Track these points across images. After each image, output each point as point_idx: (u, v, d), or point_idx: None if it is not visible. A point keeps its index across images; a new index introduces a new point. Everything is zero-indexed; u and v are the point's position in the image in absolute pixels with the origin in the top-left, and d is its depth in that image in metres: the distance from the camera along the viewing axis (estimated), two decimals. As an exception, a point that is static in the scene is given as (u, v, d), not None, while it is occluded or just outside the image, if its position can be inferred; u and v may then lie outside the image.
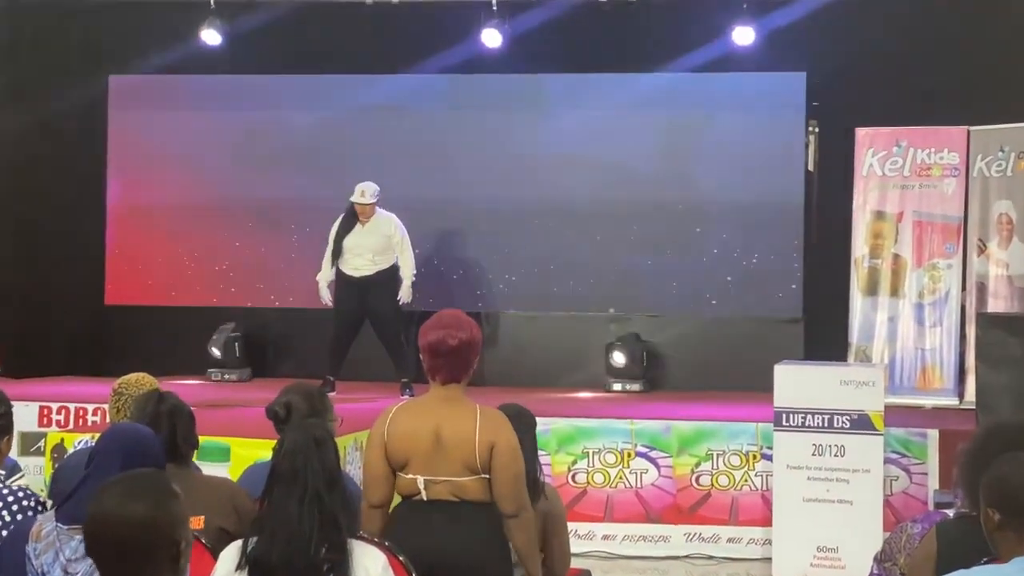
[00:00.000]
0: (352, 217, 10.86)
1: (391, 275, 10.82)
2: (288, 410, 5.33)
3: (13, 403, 4.90)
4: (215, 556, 4.31)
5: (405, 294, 10.82)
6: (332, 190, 11.74)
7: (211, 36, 12.00)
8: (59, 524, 3.96)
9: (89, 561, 3.76)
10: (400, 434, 4.79)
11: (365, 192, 10.81)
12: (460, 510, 4.78)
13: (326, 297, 10.94)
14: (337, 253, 10.82)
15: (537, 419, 5.84)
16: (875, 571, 4.63)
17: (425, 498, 4.77)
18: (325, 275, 10.91)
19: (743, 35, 11.43)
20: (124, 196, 12.81)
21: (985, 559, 3.71)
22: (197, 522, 4.56)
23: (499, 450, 4.77)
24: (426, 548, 4.53)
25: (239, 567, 3.99)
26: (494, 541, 4.84)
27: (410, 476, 4.80)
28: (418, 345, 4.97)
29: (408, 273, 10.85)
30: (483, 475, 4.79)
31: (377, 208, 10.88)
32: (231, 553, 4.06)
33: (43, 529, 3.98)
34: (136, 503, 3.17)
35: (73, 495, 4.02)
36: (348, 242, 10.79)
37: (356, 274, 10.80)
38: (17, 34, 12.35)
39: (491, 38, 11.71)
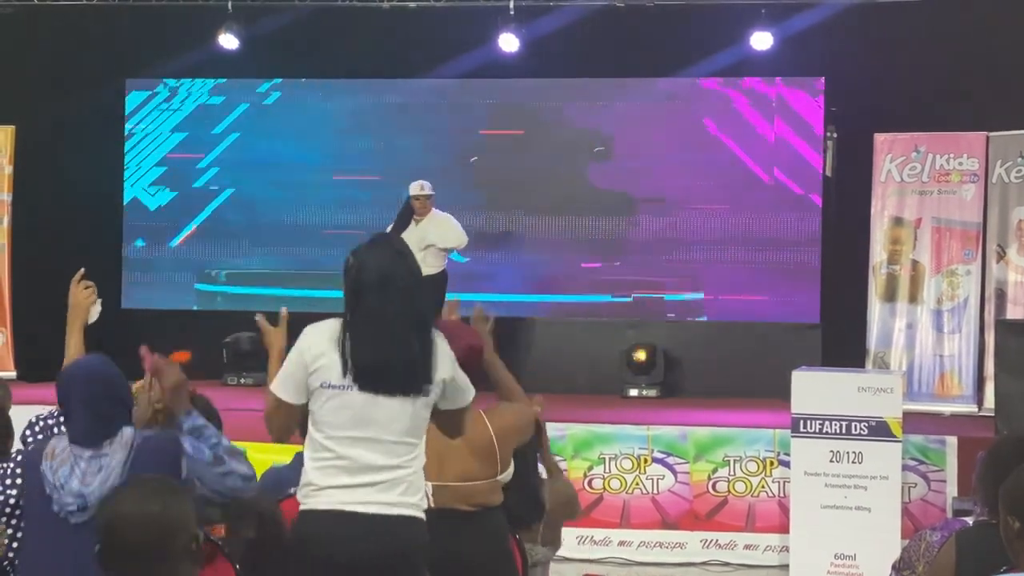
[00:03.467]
0: (408, 214, 10.87)
1: (440, 281, 10.75)
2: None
3: (30, 406, 4.92)
4: (233, 562, 4.30)
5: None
6: (346, 193, 11.79)
7: (228, 40, 12.01)
8: (72, 444, 4.17)
9: (101, 477, 4.05)
10: None
11: (424, 186, 10.91)
12: (467, 518, 4.78)
13: None
14: (408, 214, 10.81)
15: (553, 424, 5.82)
16: None
17: (432, 504, 4.75)
18: None
19: (761, 40, 11.40)
20: (140, 200, 12.84)
21: (1005, 568, 3.68)
22: (219, 530, 4.56)
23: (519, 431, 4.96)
24: (436, 554, 4.52)
25: (346, 379, 4.19)
26: (500, 548, 4.86)
27: None
28: None
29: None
30: (499, 477, 4.82)
31: (434, 208, 10.92)
32: (327, 338, 4.23)
33: (56, 448, 4.17)
34: (150, 502, 3.18)
35: (76, 419, 4.22)
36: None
37: None
38: (35, 38, 12.36)
39: (508, 43, 11.70)
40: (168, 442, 4.20)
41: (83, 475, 4.07)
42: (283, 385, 4.26)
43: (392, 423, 4.20)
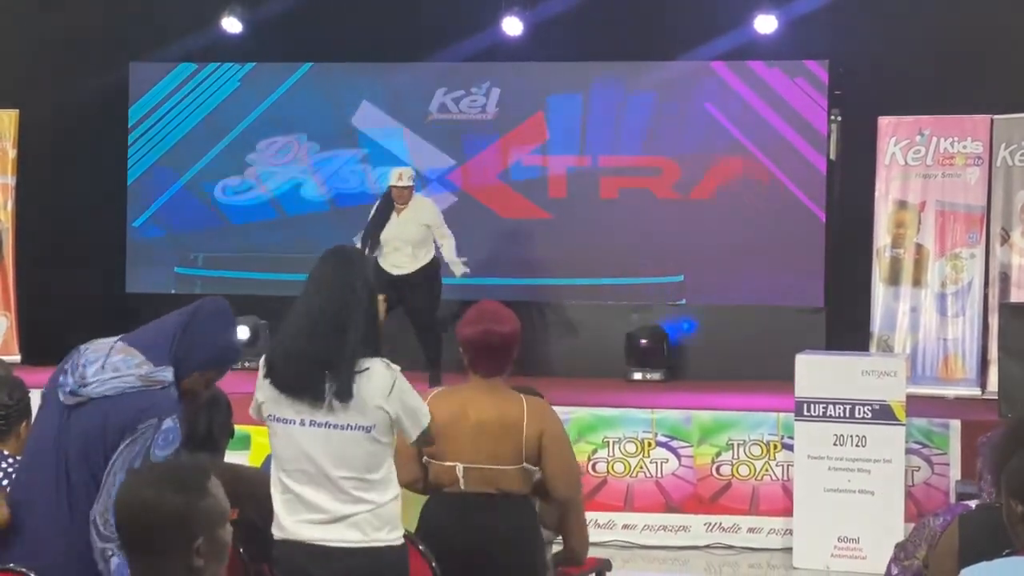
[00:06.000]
0: (388, 206, 10.58)
1: (433, 271, 10.61)
2: None
3: (33, 390, 4.89)
4: (240, 557, 4.30)
5: (460, 269, 10.70)
6: (351, 178, 11.77)
7: (232, 24, 12.00)
8: (120, 340, 4.16)
9: (106, 377, 4.01)
10: (440, 421, 4.64)
11: (403, 175, 10.57)
12: (497, 502, 4.75)
13: None
14: (374, 247, 10.50)
15: (558, 408, 5.82)
16: (893, 571, 4.59)
17: (463, 486, 4.74)
18: None
19: (765, 23, 11.38)
20: (145, 184, 12.84)
21: (1007, 551, 3.68)
22: (231, 514, 4.54)
23: (549, 439, 4.80)
24: (463, 541, 4.52)
25: (266, 374, 4.32)
26: (530, 533, 4.84)
27: (448, 464, 4.75)
28: (458, 337, 4.91)
29: (454, 257, 10.65)
30: (526, 465, 4.78)
31: (415, 194, 10.70)
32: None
33: (102, 341, 4.18)
34: (155, 490, 3.12)
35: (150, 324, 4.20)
36: (386, 234, 10.47)
37: (397, 272, 10.42)
38: (38, 22, 12.35)
39: (512, 26, 11.68)
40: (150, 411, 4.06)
41: (101, 367, 4.04)
42: (253, 408, 4.43)
43: (338, 458, 4.21)
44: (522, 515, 4.80)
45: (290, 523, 4.27)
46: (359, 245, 10.68)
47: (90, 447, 4.00)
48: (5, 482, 4.53)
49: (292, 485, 4.25)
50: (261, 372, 4.34)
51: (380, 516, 4.25)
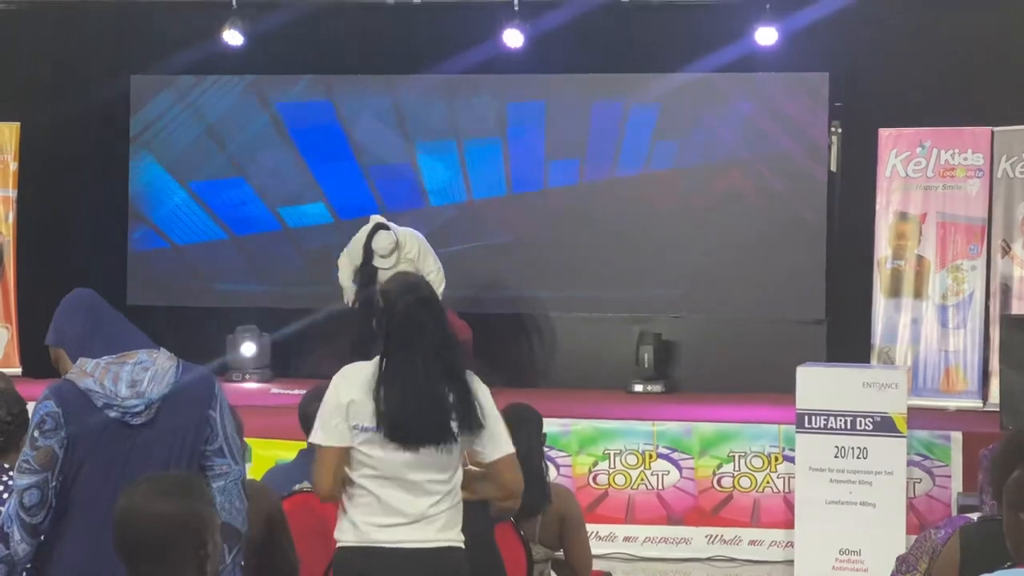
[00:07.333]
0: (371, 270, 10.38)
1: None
2: None
3: (31, 403, 4.89)
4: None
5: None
6: (353, 190, 11.75)
7: (233, 36, 12.00)
8: (103, 357, 4.06)
9: (151, 376, 3.97)
10: None
11: (386, 256, 10.34)
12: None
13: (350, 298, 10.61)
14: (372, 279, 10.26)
15: (559, 420, 5.82)
16: None
17: None
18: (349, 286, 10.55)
19: (766, 35, 11.37)
20: (146, 196, 12.84)
21: (1009, 563, 3.67)
22: None
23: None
24: None
25: (377, 426, 4.28)
26: (484, 538, 4.85)
27: None
28: None
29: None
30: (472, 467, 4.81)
31: (395, 231, 10.47)
32: (359, 383, 4.31)
33: (86, 367, 4.03)
34: (165, 500, 3.15)
35: (94, 338, 4.16)
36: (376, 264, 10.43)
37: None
38: (39, 34, 12.37)
39: (512, 38, 11.69)
40: (208, 374, 4.16)
41: (130, 379, 3.99)
42: (324, 431, 4.36)
43: (425, 467, 4.33)
44: (474, 520, 4.82)
45: (364, 525, 4.34)
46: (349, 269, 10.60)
47: (199, 431, 4.01)
48: (6, 495, 4.54)
49: (374, 488, 4.34)
50: (349, 391, 4.35)
51: (452, 517, 4.40)
